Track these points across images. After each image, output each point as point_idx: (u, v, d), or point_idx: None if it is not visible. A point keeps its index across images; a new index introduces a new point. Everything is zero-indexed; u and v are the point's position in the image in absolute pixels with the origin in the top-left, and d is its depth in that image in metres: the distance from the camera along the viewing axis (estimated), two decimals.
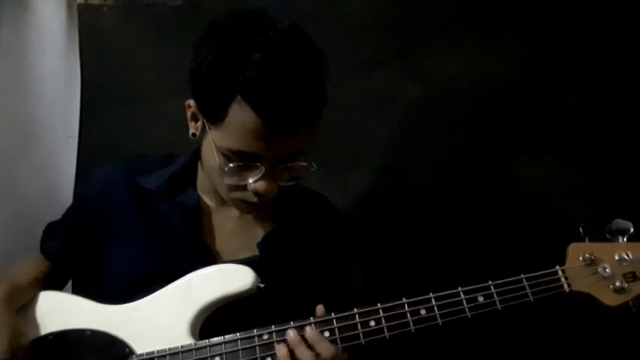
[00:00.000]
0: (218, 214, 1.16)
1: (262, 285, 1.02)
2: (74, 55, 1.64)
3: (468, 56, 1.55)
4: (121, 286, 1.11)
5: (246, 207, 1.08)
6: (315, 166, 1.04)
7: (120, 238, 1.15)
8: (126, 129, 1.62)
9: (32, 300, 1.12)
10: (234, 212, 1.15)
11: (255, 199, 1.04)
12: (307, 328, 0.97)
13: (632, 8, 1.49)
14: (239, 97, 0.95)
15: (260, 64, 0.94)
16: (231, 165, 1.00)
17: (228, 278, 1.03)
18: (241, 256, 1.11)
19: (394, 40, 1.58)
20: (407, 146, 1.58)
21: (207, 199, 1.17)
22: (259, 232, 1.15)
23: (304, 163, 1.03)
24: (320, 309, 1.00)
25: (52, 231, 1.25)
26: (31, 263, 1.21)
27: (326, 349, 0.95)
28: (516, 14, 1.54)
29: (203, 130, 1.05)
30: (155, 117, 1.59)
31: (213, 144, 1.01)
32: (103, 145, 1.63)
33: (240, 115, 0.96)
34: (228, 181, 1.03)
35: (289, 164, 1.02)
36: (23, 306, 1.11)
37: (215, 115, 0.99)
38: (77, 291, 1.22)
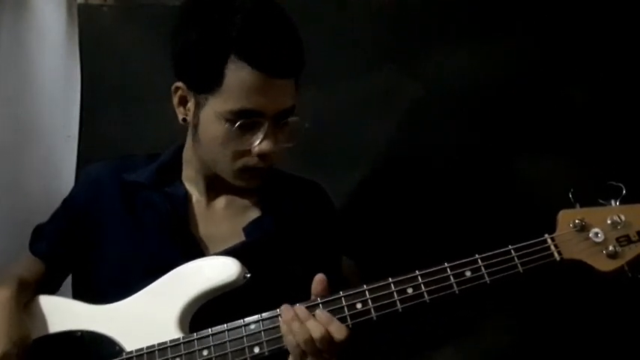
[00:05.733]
0: (206, 205, 1.18)
1: (248, 275, 1.02)
2: (74, 55, 1.64)
3: (467, 56, 1.55)
4: (114, 280, 1.12)
5: (249, 177, 1.10)
6: (307, 124, 1.08)
7: (110, 232, 1.16)
8: (126, 129, 1.62)
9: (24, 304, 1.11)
10: (220, 202, 1.17)
11: (260, 164, 1.06)
12: (317, 310, 0.94)
13: (632, 8, 1.49)
14: (232, 56, 1.00)
15: (244, 21, 1.01)
16: (236, 126, 1.02)
17: (215, 271, 1.03)
18: (229, 244, 1.12)
19: (394, 40, 1.58)
20: (406, 146, 1.58)
21: (194, 190, 1.18)
22: (246, 220, 1.15)
23: (297, 118, 1.07)
24: (319, 279, 0.97)
25: (40, 232, 1.25)
26: (31, 262, 1.22)
27: (337, 328, 0.92)
28: (516, 14, 1.54)
29: (197, 107, 1.07)
30: (155, 117, 1.59)
31: (214, 112, 1.04)
32: (103, 145, 1.63)
33: (237, 74, 1.00)
34: (234, 147, 1.05)
35: (287, 120, 1.06)
36: None
37: (212, 82, 1.02)
38: (76, 291, 1.22)
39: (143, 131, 1.60)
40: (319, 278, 0.97)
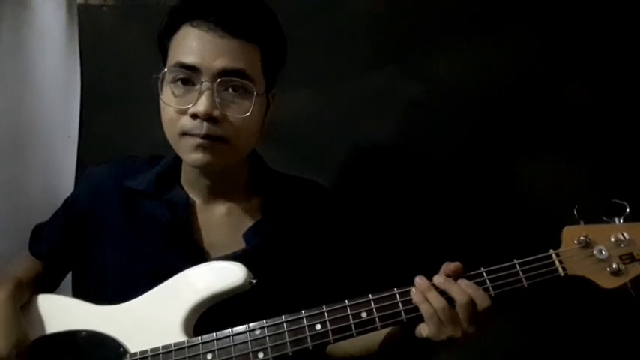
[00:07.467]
0: (206, 211, 1.16)
1: (254, 281, 1.02)
2: (74, 55, 1.63)
3: (468, 56, 1.55)
4: (114, 286, 1.12)
5: (191, 148, 1.04)
6: (255, 91, 1.04)
7: (110, 239, 1.15)
8: (126, 129, 1.62)
9: (26, 303, 1.11)
10: (222, 208, 1.16)
11: (197, 130, 1.02)
12: (460, 280, 0.95)
13: (632, 8, 1.49)
14: (182, 25, 1.04)
15: None
16: (173, 82, 1.04)
17: (220, 275, 1.03)
18: (230, 251, 1.11)
19: (394, 40, 1.58)
20: (406, 147, 1.57)
21: (194, 196, 1.17)
22: (247, 225, 1.15)
23: (246, 82, 1.04)
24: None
25: (40, 232, 1.25)
26: (29, 262, 1.22)
27: (481, 296, 0.94)
28: (517, 14, 1.54)
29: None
30: (155, 117, 1.58)
31: (163, 82, 1.07)
32: (103, 145, 1.63)
33: (179, 36, 1.05)
34: (176, 105, 1.04)
35: (229, 79, 1.03)
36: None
37: (165, 54, 1.08)
38: (77, 291, 1.22)
39: (143, 132, 1.59)
40: (455, 265, 0.98)
